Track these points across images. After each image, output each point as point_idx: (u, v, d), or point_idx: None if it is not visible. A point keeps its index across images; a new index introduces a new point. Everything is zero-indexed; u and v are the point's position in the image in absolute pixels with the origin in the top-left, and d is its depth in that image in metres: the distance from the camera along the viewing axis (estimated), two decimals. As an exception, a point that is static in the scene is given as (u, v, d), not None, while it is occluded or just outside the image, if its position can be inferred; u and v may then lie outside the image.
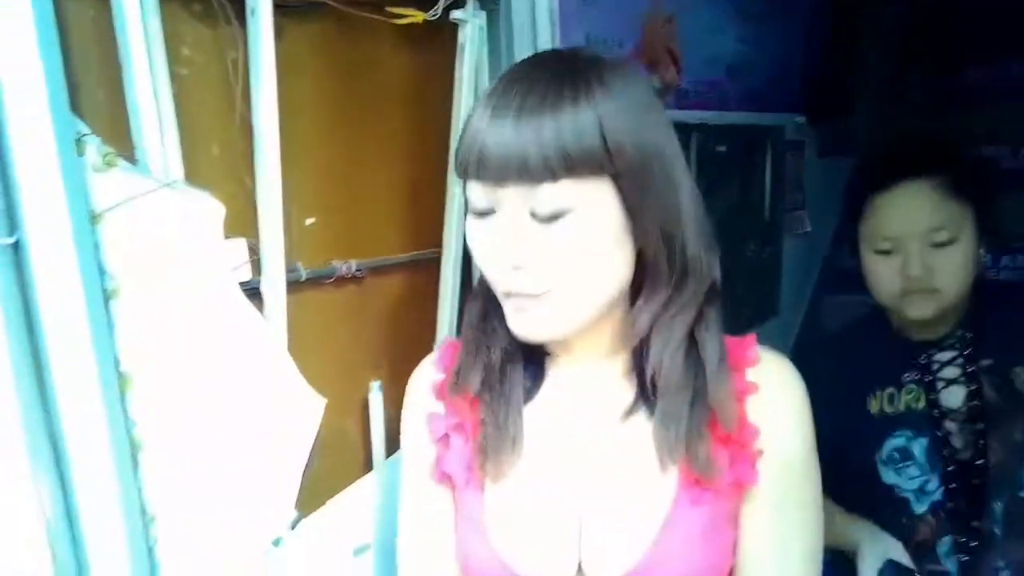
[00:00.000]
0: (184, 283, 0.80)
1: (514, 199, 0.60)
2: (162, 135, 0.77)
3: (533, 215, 0.60)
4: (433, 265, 1.10)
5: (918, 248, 1.02)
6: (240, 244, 0.88)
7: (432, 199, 1.10)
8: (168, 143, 0.78)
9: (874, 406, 1.12)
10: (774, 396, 0.67)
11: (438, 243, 1.11)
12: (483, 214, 0.63)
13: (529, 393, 0.72)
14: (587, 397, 0.71)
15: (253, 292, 0.87)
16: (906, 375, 1.11)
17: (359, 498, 1.01)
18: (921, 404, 1.08)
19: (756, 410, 0.66)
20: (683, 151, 0.67)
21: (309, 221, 0.96)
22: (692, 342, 0.67)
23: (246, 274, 0.88)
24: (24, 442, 0.69)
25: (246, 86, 0.85)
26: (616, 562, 0.66)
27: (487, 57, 1.11)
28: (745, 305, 2.10)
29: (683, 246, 0.65)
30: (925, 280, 1.02)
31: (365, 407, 1.03)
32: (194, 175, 0.81)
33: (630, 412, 0.68)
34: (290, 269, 0.90)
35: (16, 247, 0.69)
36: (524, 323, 0.64)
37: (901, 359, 1.12)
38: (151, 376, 0.77)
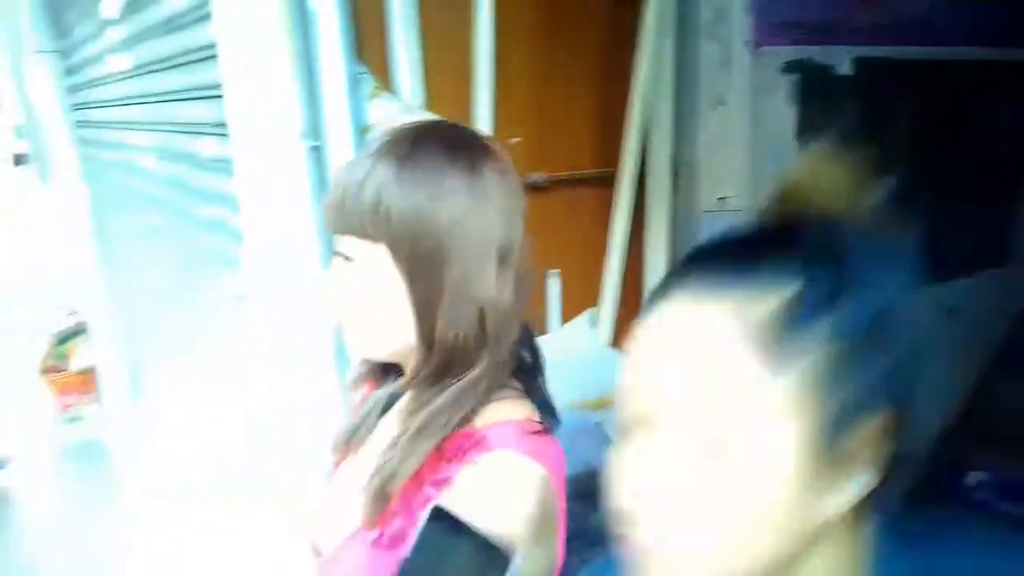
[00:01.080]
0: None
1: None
2: (410, 74, 1.06)
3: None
4: (610, 181, 1.32)
5: None
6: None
7: (613, 124, 1.30)
8: (414, 79, 1.07)
9: None
10: (457, 501, 0.58)
11: (616, 163, 1.32)
12: None
13: (389, 402, 0.79)
14: (396, 418, 0.76)
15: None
16: None
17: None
18: None
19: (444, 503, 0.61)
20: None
21: (514, 140, 1.21)
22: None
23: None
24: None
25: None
26: (326, 543, 0.77)
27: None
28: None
29: (429, 329, 0.67)
30: None
31: (543, 290, 1.31)
32: (431, 101, 1.10)
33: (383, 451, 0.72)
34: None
35: (318, 149, 1.03)
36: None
37: None
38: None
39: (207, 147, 1.71)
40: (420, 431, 0.68)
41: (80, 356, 4.30)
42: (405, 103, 1.07)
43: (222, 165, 1.63)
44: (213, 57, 1.46)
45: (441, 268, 0.67)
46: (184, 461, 2.52)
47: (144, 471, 2.96)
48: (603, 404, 1.37)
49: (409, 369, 0.72)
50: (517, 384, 0.73)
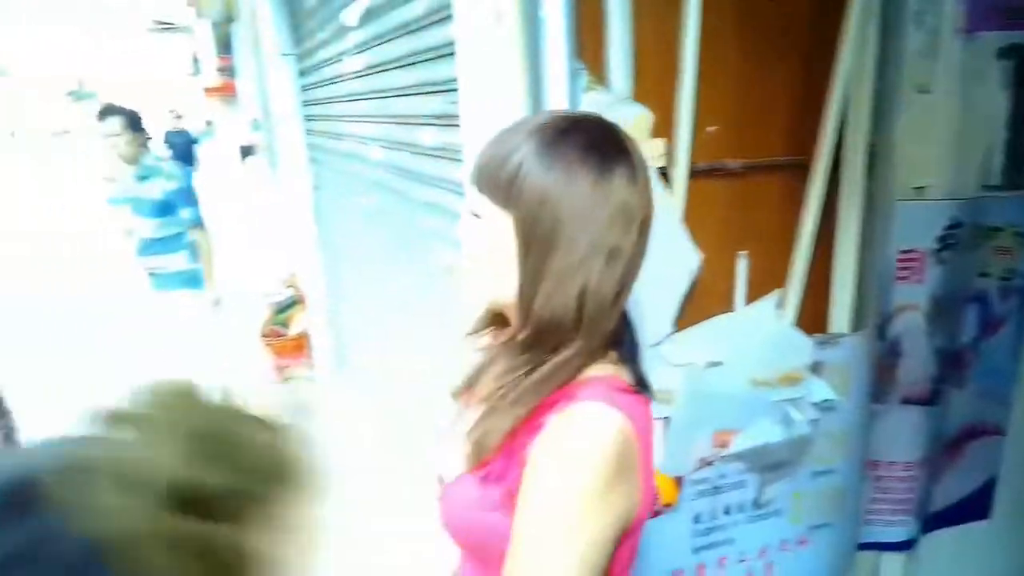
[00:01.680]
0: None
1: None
2: (622, 70, 1.20)
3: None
4: (803, 168, 1.38)
5: None
6: (659, 143, 1.28)
7: (809, 112, 1.35)
8: (625, 75, 1.21)
9: None
10: (544, 442, 0.74)
11: (809, 151, 1.37)
12: None
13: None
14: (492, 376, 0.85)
15: (664, 174, 1.28)
16: None
17: (717, 325, 1.39)
18: None
19: (535, 446, 0.75)
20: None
21: (710, 129, 1.31)
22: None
23: (660, 162, 1.29)
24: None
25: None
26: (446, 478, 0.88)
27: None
28: None
29: (528, 299, 0.76)
30: None
31: (731, 270, 1.39)
32: (638, 94, 1.23)
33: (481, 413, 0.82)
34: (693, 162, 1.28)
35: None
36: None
37: None
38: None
39: (429, 136, 1.96)
40: (515, 402, 0.77)
41: (297, 324, 4.91)
42: (615, 95, 1.20)
43: (442, 152, 1.87)
44: (442, 56, 1.69)
45: (550, 253, 0.73)
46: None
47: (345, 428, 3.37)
48: (783, 383, 1.43)
49: (514, 325, 0.82)
50: (613, 355, 0.81)
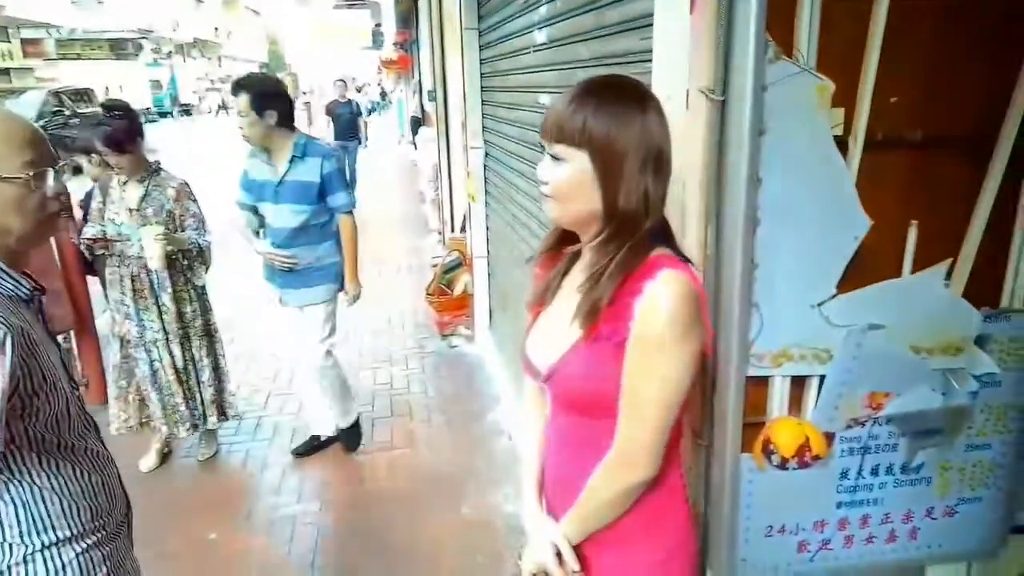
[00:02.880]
0: (803, 133, 1.33)
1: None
2: (807, 42, 1.29)
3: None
4: (982, 143, 1.39)
5: None
6: (839, 112, 1.36)
7: (995, 90, 1.37)
8: (811, 46, 1.30)
9: None
10: (648, 300, 1.09)
11: (994, 127, 1.39)
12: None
13: (570, 263, 1.26)
14: (579, 273, 1.22)
15: (841, 143, 1.36)
16: None
17: (883, 289, 1.44)
18: None
19: (639, 304, 1.10)
20: None
21: (894, 99, 1.36)
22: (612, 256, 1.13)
23: (838, 131, 1.36)
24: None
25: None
26: (546, 362, 1.25)
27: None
28: None
29: (613, 203, 1.11)
30: None
31: (902, 239, 1.44)
32: (821, 65, 1.31)
33: (581, 286, 1.17)
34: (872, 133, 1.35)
35: (723, 104, 1.32)
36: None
37: None
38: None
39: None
40: (610, 276, 1.12)
41: (460, 284, 5.27)
42: (800, 66, 1.30)
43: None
44: (629, 30, 1.83)
45: (623, 163, 1.09)
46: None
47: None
48: (945, 352, 1.47)
49: (589, 234, 1.18)
50: (664, 246, 1.15)
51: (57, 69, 31.40)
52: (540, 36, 2.76)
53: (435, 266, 5.66)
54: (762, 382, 1.48)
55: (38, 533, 1.25)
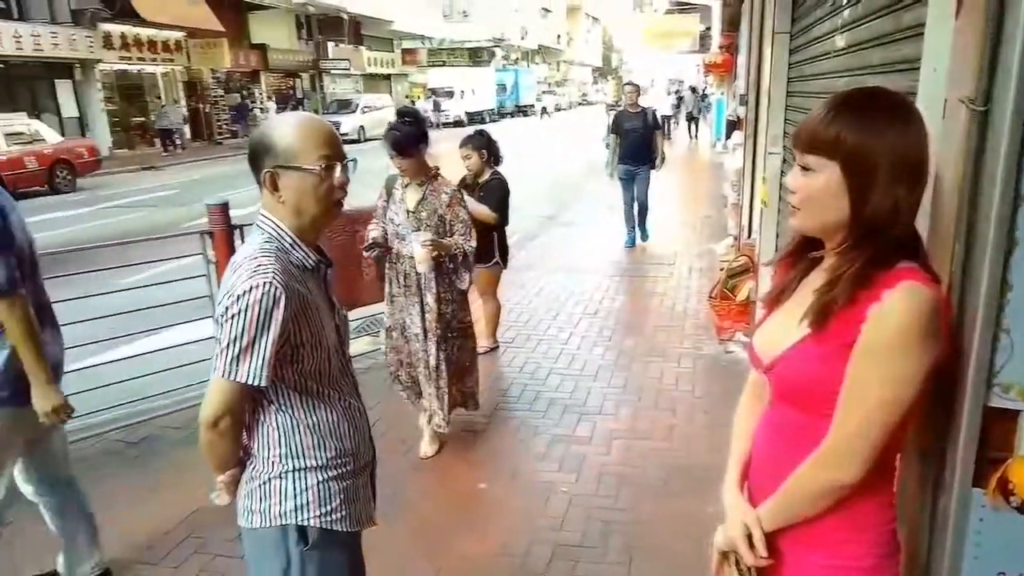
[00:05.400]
0: None
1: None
2: None
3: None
4: None
5: None
6: None
7: None
8: None
9: None
10: (882, 308, 1.09)
11: None
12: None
13: (809, 267, 1.29)
14: (818, 277, 1.23)
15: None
16: None
17: None
18: None
19: (873, 310, 1.10)
20: None
21: None
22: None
23: None
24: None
25: None
26: (770, 354, 1.28)
27: None
28: None
29: (861, 213, 1.12)
30: None
31: None
32: None
33: (818, 289, 1.19)
34: None
35: (985, 113, 1.25)
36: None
37: None
38: None
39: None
40: (850, 279, 1.13)
41: (744, 290, 5.18)
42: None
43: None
44: (907, 38, 1.75)
45: (874, 175, 1.10)
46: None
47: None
48: None
49: (834, 242, 1.20)
50: (911, 260, 1.14)
51: (426, 75, 36.76)
52: (840, 41, 2.67)
53: (722, 270, 5.62)
54: (1010, 416, 1.35)
55: (293, 458, 1.55)
